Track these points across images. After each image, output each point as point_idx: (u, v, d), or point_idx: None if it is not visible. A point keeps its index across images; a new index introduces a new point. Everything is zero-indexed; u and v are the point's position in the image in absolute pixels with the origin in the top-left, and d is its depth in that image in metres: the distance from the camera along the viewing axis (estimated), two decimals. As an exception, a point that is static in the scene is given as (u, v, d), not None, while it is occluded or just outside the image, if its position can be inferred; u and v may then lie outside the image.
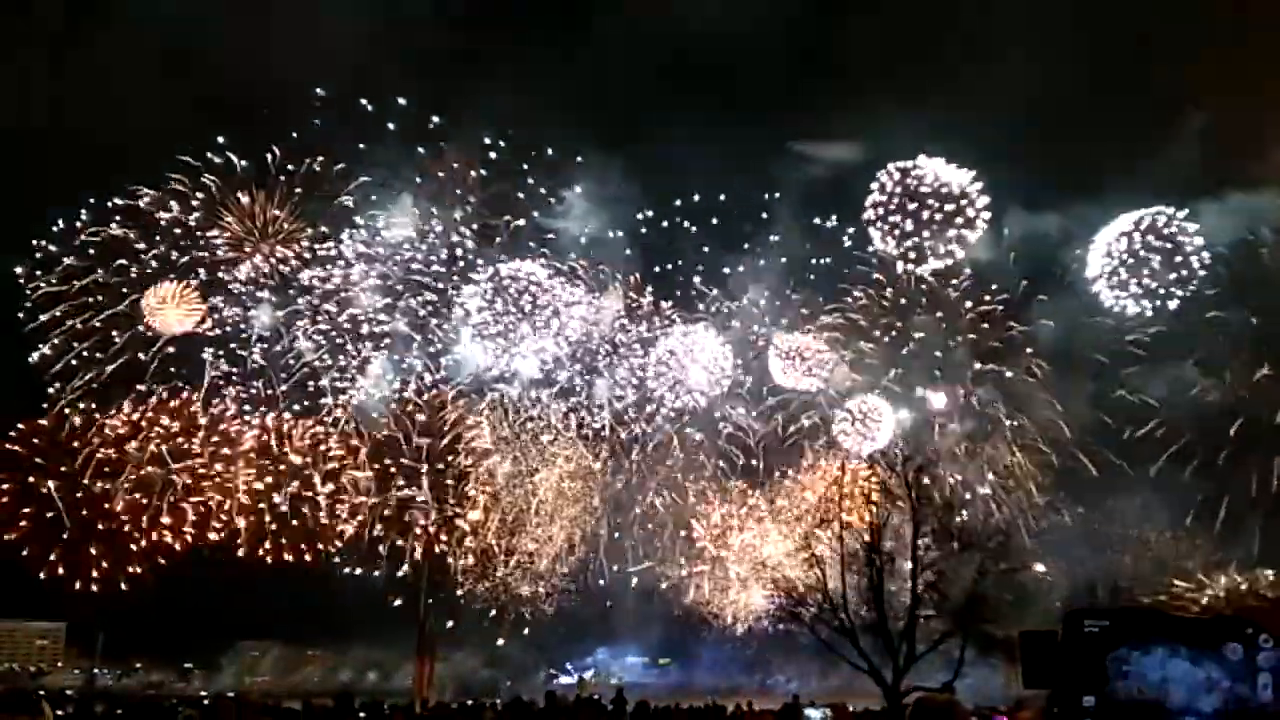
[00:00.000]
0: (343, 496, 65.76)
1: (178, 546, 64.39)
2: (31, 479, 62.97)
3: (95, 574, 63.25)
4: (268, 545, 64.34)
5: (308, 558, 64.81)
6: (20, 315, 63.63)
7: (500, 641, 69.88)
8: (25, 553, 62.03)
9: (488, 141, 67.52)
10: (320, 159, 65.64)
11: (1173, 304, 66.01)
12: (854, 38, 74.93)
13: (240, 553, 64.10)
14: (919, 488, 37.61)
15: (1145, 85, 68.61)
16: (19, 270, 63.84)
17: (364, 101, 65.35)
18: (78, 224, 64.98)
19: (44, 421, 63.79)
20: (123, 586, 63.46)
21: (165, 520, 63.89)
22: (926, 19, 73.92)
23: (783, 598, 38.03)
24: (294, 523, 64.88)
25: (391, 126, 66.19)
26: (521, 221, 68.22)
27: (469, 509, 67.01)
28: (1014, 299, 68.03)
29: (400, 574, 66.59)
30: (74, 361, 64.14)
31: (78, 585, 63.33)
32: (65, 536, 62.75)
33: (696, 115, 70.34)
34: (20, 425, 63.36)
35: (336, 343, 66.69)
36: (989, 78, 67.57)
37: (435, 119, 66.84)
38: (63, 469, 63.30)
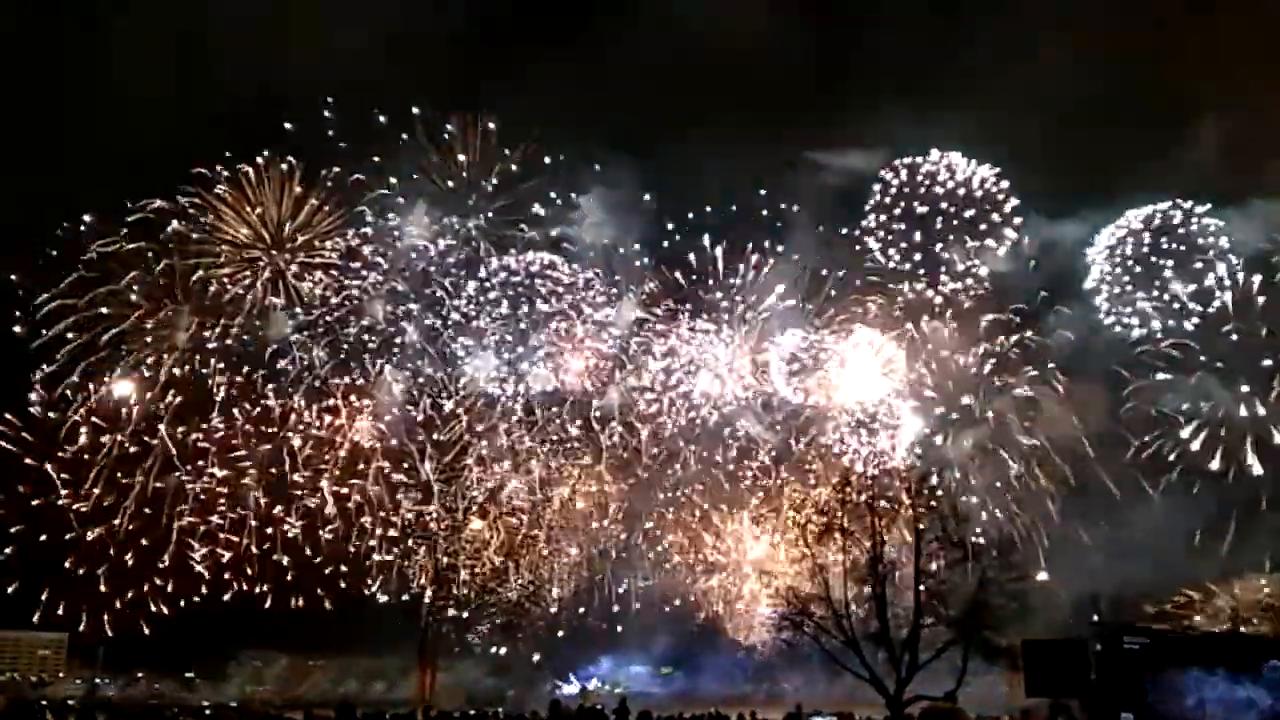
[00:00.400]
0: (358, 519, 67.09)
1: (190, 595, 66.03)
2: (23, 488, 64.16)
3: (107, 617, 65.18)
4: (267, 587, 66.00)
5: (327, 604, 66.33)
6: (18, 329, 64.62)
7: (502, 651, 71.47)
8: (13, 590, 63.47)
9: (504, 151, 68.80)
10: (336, 169, 66.87)
11: (1189, 322, 66.70)
12: (868, 48, 76.07)
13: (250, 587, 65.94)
14: (921, 497, 38.77)
15: (1164, 93, 69.40)
16: (15, 277, 64.58)
17: (378, 113, 66.42)
18: (82, 228, 65.69)
19: (34, 408, 64.80)
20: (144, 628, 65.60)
21: (178, 541, 65.32)
22: (940, 29, 74.97)
23: (785, 607, 39.07)
24: (307, 551, 66.26)
25: (405, 137, 67.49)
26: (535, 235, 69.85)
27: (471, 519, 68.34)
28: (1031, 308, 68.76)
29: (405, 596, 68.25)
30: (77, 378, 65.15)
31: (82, 627, 65.69)
32: (69, 564, 64.04)
33: (711, 125, 71.45)
34: (9, 416, 64.49)
35: (343, 356, 67.89)
36: (1005, 88, 68.38)
37: (449, 128, 68.26)
38: (65, 476, 64.53)
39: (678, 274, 69.85)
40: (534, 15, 73.89)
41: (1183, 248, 68.81)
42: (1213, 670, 30.13)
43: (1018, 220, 69.81)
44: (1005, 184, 70.01)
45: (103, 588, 64.53)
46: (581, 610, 69.61)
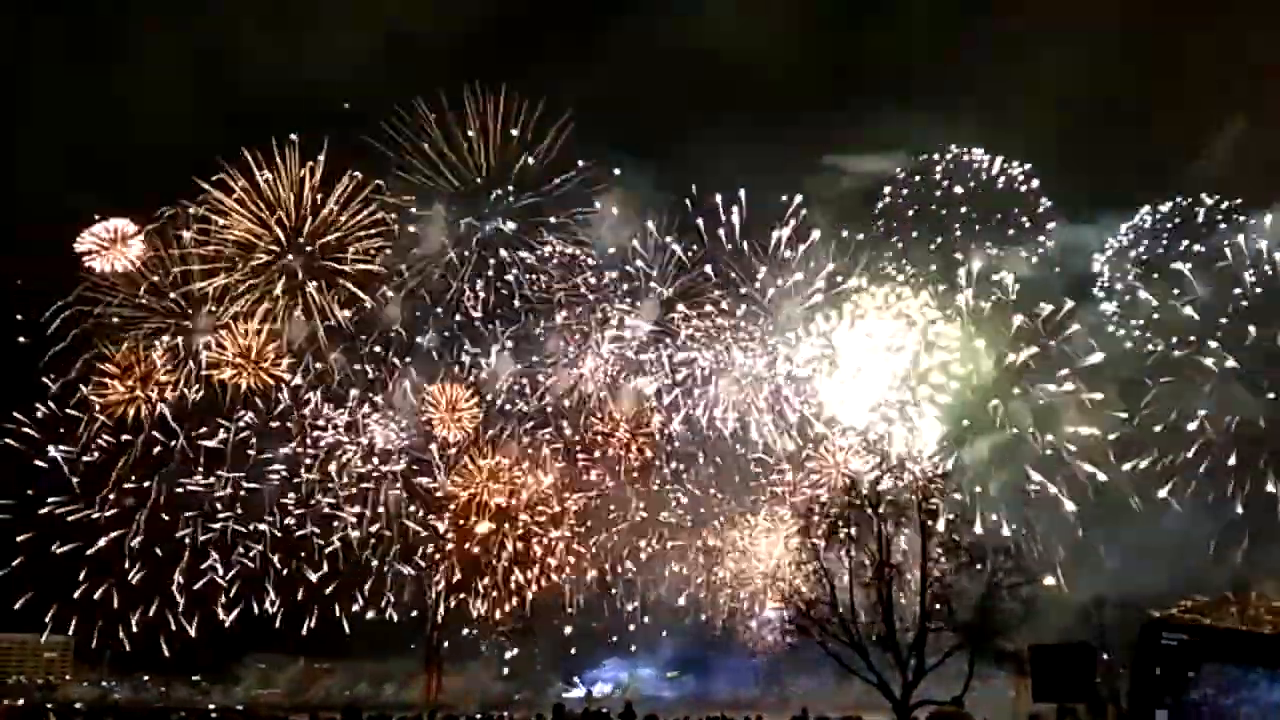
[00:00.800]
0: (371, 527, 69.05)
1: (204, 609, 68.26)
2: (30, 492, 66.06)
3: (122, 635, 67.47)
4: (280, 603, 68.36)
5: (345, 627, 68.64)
6: (23, 339, 66.33)
7: (511, 655, 73.25)
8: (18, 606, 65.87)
9: (527, 159, 70.13)
10: (356, 174, 68.23)
11: (1209, 328, 67.82)
12: (881, 52, 76.94)
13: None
14: (929, 500, 39.94)
15: (1184, 95, 70.23)
16: (20, 281, 65.62)
17: (392, 115, 67.52)
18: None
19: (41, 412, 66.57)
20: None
21: (193, 553, 67.57)
22: (956, 36, 75.67)
23: (792, 610, 40.33)
24: (325, 566, 68.30)
25: (425, 145, 68.88)
26: (553, 239, 71.31)
27: (481, 522, 70.04)
28: (1053, 312, 69.98)
29: (414, 613, 70.26)
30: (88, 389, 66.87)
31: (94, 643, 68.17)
32: (80, 577, 66.09)
33: (728, 130, 72.54)
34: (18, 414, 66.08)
35: (363, 361, 69.68)
36: (1022, 90, 69.52)
37: (469, 132, 69.44)
38: (77, 479, 66.65)
39: (693, 276, 71.52)
40: (544, 17, 74.95)
41: (1202, 250, 69.93)
42: (1252, 668, 31.01)
43: (1050, 225, 71.60)
44: (1035, 183, 71.96)
45: (115, 604, 66.79)
46: (592, 614, 71.38)
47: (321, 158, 67.91)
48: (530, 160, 69.92)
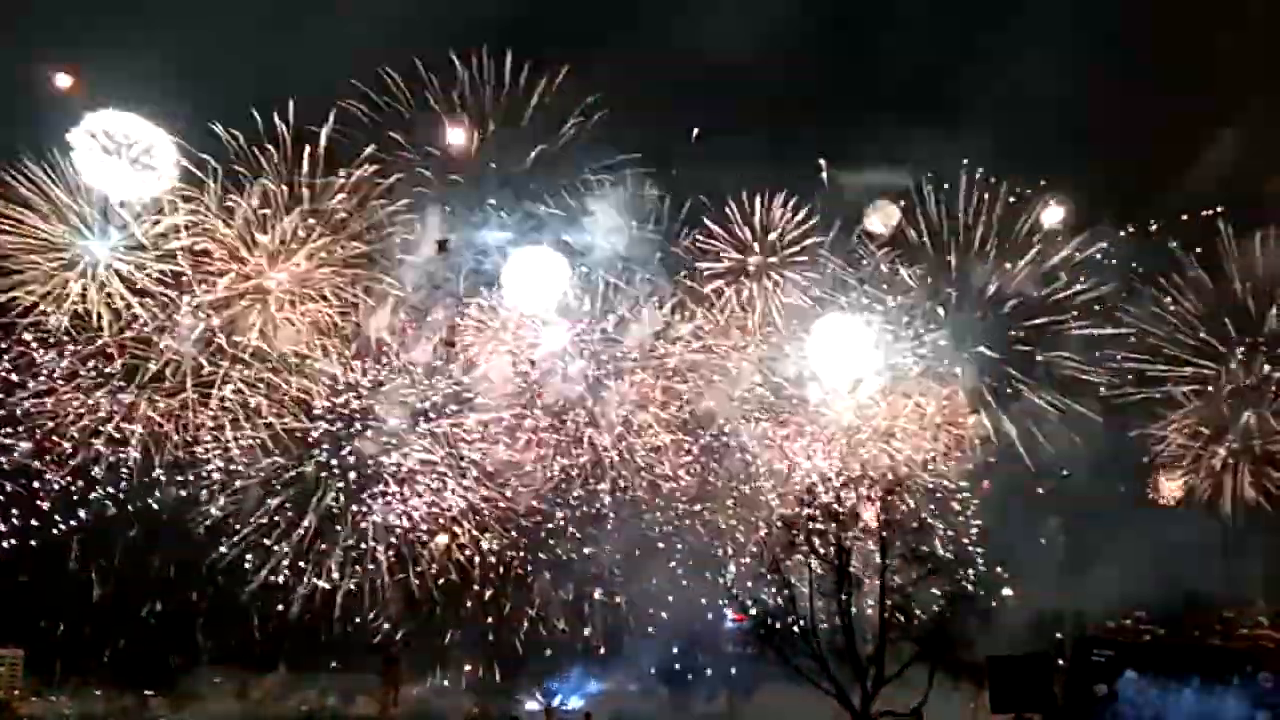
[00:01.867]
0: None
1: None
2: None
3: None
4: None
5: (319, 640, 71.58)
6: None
7: (477, 667, 75.92)
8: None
9: (520, 157, 72.16)
10: (355, 173, 69.72)
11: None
12: (880, 64, 79.21)
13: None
14: (888, 511, 42.99)
15: (1184, 107, 72.42)
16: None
17: (393, 111, 69.70)
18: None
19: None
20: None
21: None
22: (957, 42, 77.97)
23: (751, 622, 43.20)
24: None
25: (430, 151, 71.28)
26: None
27: (436, 533, 72.60)
28: (1039, 326, 73.73)
29: (382, 618, 72.61)
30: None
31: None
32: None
33: (732, 137, 74.86)
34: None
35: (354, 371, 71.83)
36: (1024, 108, 71.52)
37: (465, 135, 71.62)
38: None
39: (689, 281, 74.43)
40: (543, 22, 76.68)
41: (1196, 264, 72.71)
42: (1180, 681, 34.04)
43: (1045, 238, 74.48)
44: (1030, 195, 74.63)
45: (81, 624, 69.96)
46: (559, 626, 73.88)
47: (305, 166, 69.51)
48: (535, 153, 72.11)
